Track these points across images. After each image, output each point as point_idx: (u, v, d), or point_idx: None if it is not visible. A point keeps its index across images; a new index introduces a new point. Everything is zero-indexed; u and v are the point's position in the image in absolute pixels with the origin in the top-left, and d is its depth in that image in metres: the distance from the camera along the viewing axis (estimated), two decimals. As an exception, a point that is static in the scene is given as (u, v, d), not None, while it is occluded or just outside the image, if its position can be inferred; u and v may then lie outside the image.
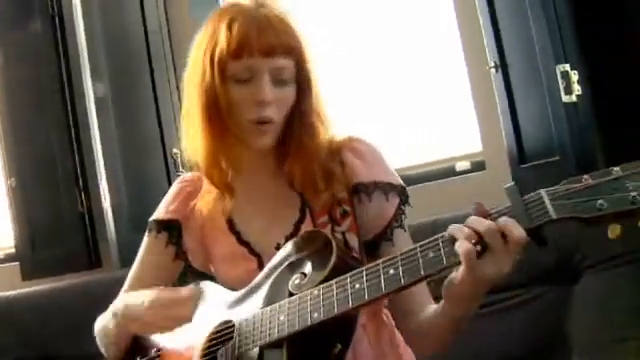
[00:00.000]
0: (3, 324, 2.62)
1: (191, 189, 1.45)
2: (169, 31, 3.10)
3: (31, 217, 3.02)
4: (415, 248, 1.10)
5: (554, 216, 1.01)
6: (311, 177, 1.33)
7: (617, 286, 1.87)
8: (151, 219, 1.50)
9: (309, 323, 1.14)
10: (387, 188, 1.35)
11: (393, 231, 1.34)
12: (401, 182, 1.38)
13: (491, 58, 2.34)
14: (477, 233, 1.04)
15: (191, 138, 1.35)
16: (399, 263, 1.10)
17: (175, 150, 2.96)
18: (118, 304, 1.43)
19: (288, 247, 1.29)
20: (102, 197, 2.83)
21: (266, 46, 1.27)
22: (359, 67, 2.88)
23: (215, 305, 1.35)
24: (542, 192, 1.03)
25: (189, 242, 1.46)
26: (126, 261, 2.71)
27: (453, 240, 1.05)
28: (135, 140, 2.95)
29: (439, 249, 1.07)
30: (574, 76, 1.96)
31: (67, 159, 2.92)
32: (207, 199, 1.40)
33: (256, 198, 1.40)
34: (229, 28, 1.27)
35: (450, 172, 2.71)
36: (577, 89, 1.96)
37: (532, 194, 1.03)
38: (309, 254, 1.24)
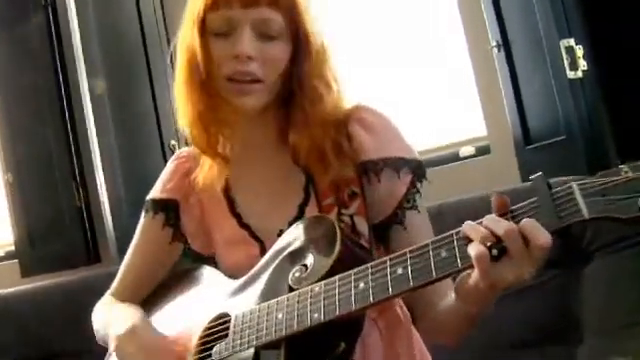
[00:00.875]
0: (2, 322, 2.57)
1: (189, 165, 1.36)
2: (165, 23, 3.05)
3: (29, 213, 2.98)
4: (427, 245, 0.99)
5: (587, 216, 0.87)
6: (318, 149, 1.21)
7: (626, 269, 1.80)
8: (147, 198, 1.41)
9: (309, 324, 1.05)
10: (399, 164, 1.21)
11: (405, 212, 1.22)
12: (416, 155, 1.24)
13: (493, 37, 2.29)
14: (495, 235, 0.92)
15: (180, 105, 1.26)
16: (408, 262, 0.99)
17: (173, 142, 2.92)
18: (112, 317, 1.34)
19: (290, 233, 1.19)
20: (99, 191, 2.79)
21: None
22: (359, 51, 2.82)
23: (212, 294, 1.28)
24: (574, 186, 0.89)
25: (188, 223, 1.37)
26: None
27: (468, 240, 0.94)
28: (132, 133, 2.91)
29: (453, 248, 0.96)
30: (579, 51, 1.90)
31: (64, 154, 2.88)
32: (205, 175, 1.30)
33: (258, 174, 1.30)
34: None
35: (454, 158, 2.66)
36: (582, 64, 1.90)
37: (561, 188, 0.90)
38: (312, 242, 1.13)
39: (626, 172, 0.86)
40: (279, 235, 1.22)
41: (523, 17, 2.12)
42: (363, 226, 1.23)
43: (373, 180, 1.22)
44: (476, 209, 2.10)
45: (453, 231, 0.97)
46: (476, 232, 0.93)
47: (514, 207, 0.94)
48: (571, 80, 1.91)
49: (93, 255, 2.85)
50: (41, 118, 2.93)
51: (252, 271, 1.22)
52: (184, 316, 1.28)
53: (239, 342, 1.13)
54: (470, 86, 2.56)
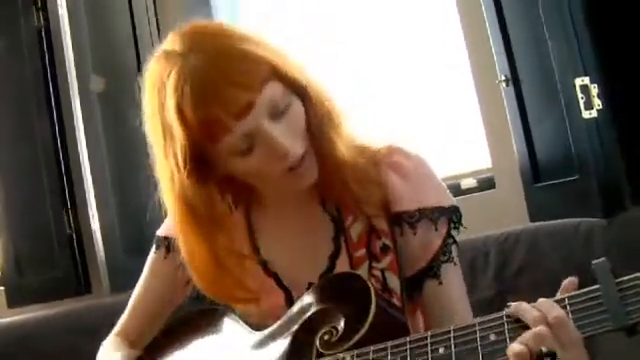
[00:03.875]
0: None
1: None
2: (161, 42, 3.00)
3: (17, 240, 2.89)
4: (473, 325, 0.91)
5: None
6: (344, 185, 1.13)
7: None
8: (159, 234, 1.34)
9: None
10: (435, 214, 1.15)
11: (440, 266, 1.16)
12: (452, 200, 1.18)
13: (501, 71, 2.25)
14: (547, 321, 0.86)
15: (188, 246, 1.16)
16: (452, 341, 0.91)
17: (167, 169, 2.87)
18: None
19: (319, 288, 1.12)
20: (91, 219, 2.74)
21: (239, 103, 1.04)
22: (365, 81, 2.81)
23: (233, 345, 1.20)
24: None
25: None
26: (118, 286, 2.68)
27: (519, 321, 0.88)
28: (125, 159, 2.83)
29: (503, 332, 0.89)
30: (594, 90, 1.85)
31: (54, 178, 2.80)
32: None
33: (284, 221, 1.22)
34: (180, 112, 1.03)
35: (455, 190, 2.61)
36: (597, 103, 1.85)
37: (628, 277, 0.82)
38: (343, 302, 1.05)
39: None
40: (308, 288, 1.15)
41: (534, 52, 2.08)
42: (395, 282, 1.15)
43: (407, 232, 1.16)
44: (486, 250, 2.06)
45: (502, 312, 0.90)
46: (529, 313, 0.87)
47: (574, 293, 0.87)
48: (586, 119, 1.86)
49: (84, 285, 2.76)
50: (32, 143, 2.85)
51: (277, 324, 1.14)
52: None
53: None
54: (475, 119, 2.53)
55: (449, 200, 1.18)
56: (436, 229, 1.15)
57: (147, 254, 2.79)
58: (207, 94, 1.03)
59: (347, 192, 1.14)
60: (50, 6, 2.87)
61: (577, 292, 0.87)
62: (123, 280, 2.61)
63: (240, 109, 1.03)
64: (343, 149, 1.14)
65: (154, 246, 1.34)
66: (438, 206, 1.15)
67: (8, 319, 2.67)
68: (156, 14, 2.99)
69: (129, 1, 2.93)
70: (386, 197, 1.16)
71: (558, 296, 0.88)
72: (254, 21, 3.05)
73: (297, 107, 1.10)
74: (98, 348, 2.12)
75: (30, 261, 2.86)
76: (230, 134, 1.04)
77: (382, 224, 1.16)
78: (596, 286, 0.84)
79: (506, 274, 1.93)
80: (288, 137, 1.07)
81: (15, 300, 2.86)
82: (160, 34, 3.00)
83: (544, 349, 0.85)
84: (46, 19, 2.88)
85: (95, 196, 2.73)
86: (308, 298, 1.11)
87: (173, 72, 1.05)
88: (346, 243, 1.17)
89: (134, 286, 2.24)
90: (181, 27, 1.12)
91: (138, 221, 2.79)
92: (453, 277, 1.17)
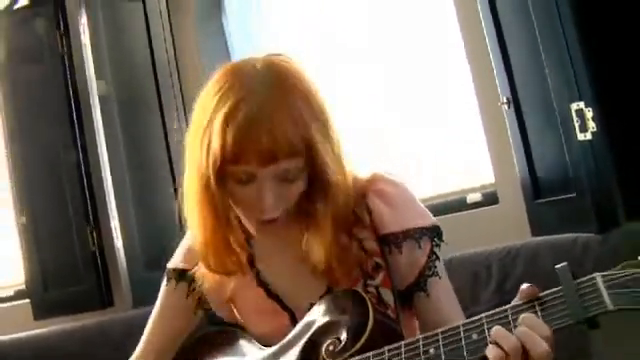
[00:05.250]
0: None
1: None
2: (178, 69, 3.12)
3: (42, 256, 3.01)
4: (458, 327, 1.03)
5: (611, 307, 0.91)
6: (330, 257, 1.23)
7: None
8: (169, 267, 1.44)
9: None
10: (418, 234, 1.27)
11: (427, 280, 1.27)
12: (433, 220, 1.29)
13: (503, 93, 2.33)
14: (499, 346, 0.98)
15: (191, 221, 1.25)
16: (440, 342, 1.03)
17: (186, 188, 2.97)
18: None
19: (321, 306, 1.23)
20: (114, 236, 2.84)
21: (266, 154, 1.14)
22: (371, 100, 2.89)
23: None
24: (597, 277, 0.94)
25: (212, 293, 1.38)
26: (139, 300, 2.77)
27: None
28: (146, 179, 2.96)
29: (483, 331, 1.01)
30: (588, 113, 1.94)
31: (78, 198, 2.93)
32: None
33: (283, 246, 1.32)
34: (225, 125, 1.13)
35: (462, 204, 2.70)
36: (592, 126, 1.94)
37: (586, 278, 0.95)
38: (344, 316, 1.17)
39: None
40: (309, 308, 1.26)
41: (533, 76, 2.16)
42: (388, 296, 1.27)
43: (394, 251, 1.27)
44: (489, 264, 2.15)
45: (482, 315, 1.02)
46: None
47: (541, 294, 0.99)
48: (581, 141, 1.95)
49: (107, 299, 2.88)
50: (57, 162, 2.98)
51: (284, 341, 1.25)
52: None
53: None
54: (480, 138, 2.60)
55: (430, 220, 1.29)
56: (420, 247, 1.26)
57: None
58: (250, 133, 1.13)
59: (332, 259, 1.23)
60: (72, 32, 3.01)
61: (544, 293, 0.99)
62: (144, 294, 2.71)
63: (266, 161, 1.14)
64: (341, 203, 1.23)
65: (165, 279, 1.44)
66: (420, 227, 1.27)
67: (34, 331, 2.81)
68: (172, 36, 3.10)
69: (147, 27, 3.07)
70: (374, 222, 1.27)
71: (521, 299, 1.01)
72: (265, 35, 3.15)
73: (299, 186, 1.20)
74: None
75: (55, 276, 2.97)
76: (246, 166, 1.15)
77: (372, 245, 1.28)
78: (559, 287, 0.97)
79: (507, 287, 2.04)
80: (274, 200, 1.17)
81: (41, 313, 2.97)
82: (176, 55, 3.13)
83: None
84: (69, 46, 3.02)
85: (117, 215, 2.82)
86: (312, 314, 1.23)
87: (235, 97, 1.15)
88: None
89: (155, 299, 2.39)
90: (266, 56, 1.22)
91: (158, 238, 2.88)
92: (439, 289, 1.27)
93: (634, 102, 2.00)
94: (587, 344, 1.81)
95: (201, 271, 1.33)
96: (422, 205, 1.31)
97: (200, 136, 1.17)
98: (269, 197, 1.17)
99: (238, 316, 1.40)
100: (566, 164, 2.06)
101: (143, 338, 1.46)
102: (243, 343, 1.36)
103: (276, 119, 1.13)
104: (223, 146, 1.13)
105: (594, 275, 0.94)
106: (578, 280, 0.95)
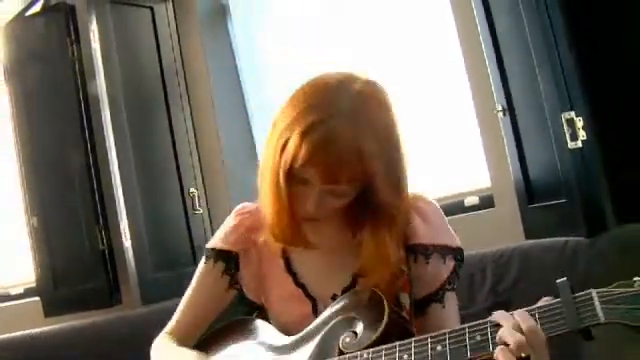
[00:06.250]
0: None
1: (250, 222, 1.49)
2: (184, 73, 3.21)
3: (52, 255, 3.08)
4: (463, 328, 1.14)
5: (603, 320, 1.01)
6: (381, 260, 1.33)
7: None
8: (209, 246, 1.53)
9: None
10: (445, 251, 1.39)
11: (445, 293, 1.39)
12: (458, 243, 1.42)
13: (498, 101, 2.41)
14: (520, 328, 1.08)
15: (263, 199, 1.37)
16: (447, 341, 1.13)
17: (192, 190, 3.06)
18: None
19: (343, 301, 1.34)
20: (123, 236, 2.89)
21: (329, 176, 1.26)
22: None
23: (266, 348, 1.41)
24: (593, 293, 1.04)
25: (246, 275, 1.49)
26: (147, 298, 2.83)
27: (499, 326, 1.10)
28: (154, 180, 3.03)
29: (486, 333, 1.11)
30: (579, 122, 2.02)
31: (88, 198, 3.00)
32: (267, 236, 1.42)
33: (316, 236, 1.41)
34: (302, 138, 1.24)
35: (459, 208, 2.78)
36: (582, 135, 2.02)
37: (583, 293, 1.05)
38: (362, 312, 1.28)
39: (639, 285, 1.01)
40: (332, 298, 1.38)
41: (527, 86, 2.24)
42: (405, 300, 1.39)
43: (421, 261, 1.39)
44: (483, 266, 2.22)
45: (487, 319, 1.13)
46: (507, 320, 1.10)
47: (542, 304, 1.10)
48: (571, 149, 2.04)
49: (115, 298, 2.94)
50: (66, 164, 3.05)
51: (305, 331, 1.36)
52: None
53: None
54: (477, 144, 2.69)
55: (457, 242, 1.42)
56: (444, 263, 1.39)
57: (174, 268, 2.99)
58: (321, 154, 1.23)
59: (382, 262, 1.34)
60: (83, 38, 3.08)
61: (544, 304, 1.10)
62: (152, 292, 2.83)
63: (326, 181, 1.27)
64: (397, 218, 1.34)
65: (204, 257, 1.53)
66: (448, 245, 1.40)
67: (44, 328, 2.84)
68: (179, 41, 3.19)
69: (155, 32, 3.16)
70: (406, 232, 1.39)
71: (531, 308, 1.11)
72: (269, 39, 3.22)
73: (344, 202, 1.32)
74: (127, 357, 2.29)
75: (65, 274, 3.04)
76: (309, 176, 1.27)
77: (400, 252, 1.38)
78: (558, 299, 1.08)
79: (501, 288, 2.13)
80: (315, 209, 1.31)
81: (51, 310, 3.03)
82: (183, 59, 3.21)
83: (523, 354, 1.07)
84: (79, 51, 3.08)
85: (126, 216, 2.88)
86: (333, 308, 1.34)
87: (318, 115, 1.24)
88: None
89: (162, 298, 2.46)
90: (361, 83, 1.31)
91: (166, 239, 2.98)
92: (452, 303, 1.41)
93: (623, 112, 2.09)
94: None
95: (245, 253, 1.47)
96: (451, 229, 1.43)
97: (278, 135, 1.29)
98: (311, 206, 1.30)
99: (263, 300, 1.50)
100: (557, 171, 2.13)
101: (177, 312, 1.55)
102: (264, 330, 1.45)
103: (348, 149, 1.23)
104: (295, 155, 1.25)
105: (590, 291, 1.04)
106: (576, 294, 1.06)
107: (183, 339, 1.51)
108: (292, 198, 1.31)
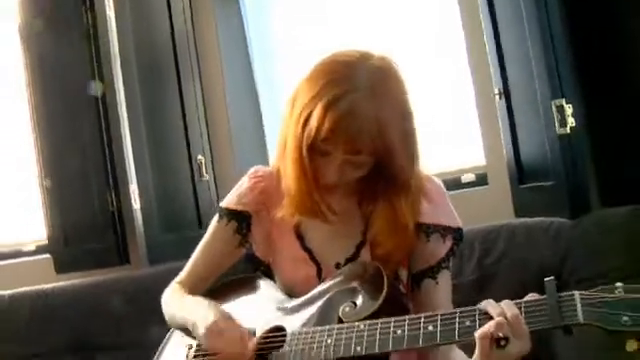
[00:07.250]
0: (44, 315, 2.78)
1: (264, 185, 1.55)
2: (195, 44, 3.28)
3: (64, 216, 3.14)
4: (455, 312, 1.21)
5: (582, 320, 1.08)
6: (397, 228, 1.41)
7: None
8: (222, 205, 1.60)
9: (352, 354, 1.27)
10: (446, 231, 1.46)
11: (440, 270, 1.46)
12: (459, 223, 1.48)
13: (496, 85, 2.51)
14: (505, 315, 1.15)
15: (285, 171, 1.42)
16: (438, 322, 1.21)
17: (200, 157, 3.16)
18: (192, 306, 1.53)
19: (345, 271, 1.42)
20: (132, 198, 2.97)
21: (351, 148, 1.32)
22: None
23: (270, 306, 1.49)
24: (576, 294, 1.10)
25: (257, 235, 1.57)
26: (154, 259, 2.92)
27: (488, 315, 1.18)
28: (163, 147, 3.10)
29: (474, 320, 1.18)
30: (568, 109, 2.11)
31: (100, 164, 3.05)
32: (280, 201, 1.47)
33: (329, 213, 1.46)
34: (325, 111, 1.30)
35: (457, 183, 2.88)
36: (571, 121, 2.11)
37: (567, 293, 1.12)
38: (362, 284, 1.35)
39: (619, 292, 1.07)
40: (336, 266, 1.46)
41: (521, 70, 2.33)
42: (403, 275, 1.49)
43: (422, 238, 1.46)
44: (472, 241, 2.31)
45: (476, 307, 1.21)
46: (494, 309, 1.18)
47: (528, 299, 1.18)
48: (560, 135, 2.13)
49: (124, 257, 3.01)
50: (78, 129, 3.11)
51: (308, 295, 1.44)
52: (242, 319, 1.47)
53: (292, 356, 1.35)
54: (475, 125, 2.79)
55: (457, 223, 1.49)
56: (444, 242, 1.47)
57: (180, 231, 3.09)
58: (344, 126, 1.30)
59: (388, 236, 1.43)
60: (98, 6, 3.10)
61: (530, 299, 1.19)
62: (159, 253, 2.92)
63: (348, 152, 1.34)
64: (409, 197, 1.41)
65: (217, 216, 1.61)
66: (449, 226, 1.48)
67: (55, 284, 2.94)
68: (191, 11, 3.22)
69: (168, 2, 3.21)
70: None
71: (518, 300, 1.21)
72: (282, 26, 3.29)
73: (362, 172, 1.39)
74: (133, 312, 2.38)
75: (76, 233, 3.10)
76: (331, 148, 1.34)
77: (413, 221, 1.44)
78: (544, 297, 1.16)
79: (487, 262, 2.24)
80: (336, 178, 1.38)
81: (63, 267, 3.11)
82: (194, 29, 3.26)
83: (501, 334, 1.15)
84: (94, 18, 3.10)
85: (136, 179, 2.95)
86: (336, 278, 1.42)
87: (341, 88, 1.31)
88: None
89: (169, 258, 2.57)
90: (377, 57, 1.38)
91: (173, 201, 3.07)
92: (445, 281, 1.49)
93: (611, 101, 2.18)
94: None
95: (258, 214, 1.55)
96: (453, 210, 1.51)
97: (300, 109, 1.35)
98: (333, 176, 1.37)
99: (271, 260, 1.60)
100: (547, 154, 2.23)
101: (188, 264, 1.65)
102: (268, 289, 1.55)
103: (369, 120, 1.30)
104: (319, 128, 1.30)
105: (574, 292, 1.12)
106: (560, 293, 1.13)
107: (192, 289, 1.61)
108: (314, 169, 1.37)
